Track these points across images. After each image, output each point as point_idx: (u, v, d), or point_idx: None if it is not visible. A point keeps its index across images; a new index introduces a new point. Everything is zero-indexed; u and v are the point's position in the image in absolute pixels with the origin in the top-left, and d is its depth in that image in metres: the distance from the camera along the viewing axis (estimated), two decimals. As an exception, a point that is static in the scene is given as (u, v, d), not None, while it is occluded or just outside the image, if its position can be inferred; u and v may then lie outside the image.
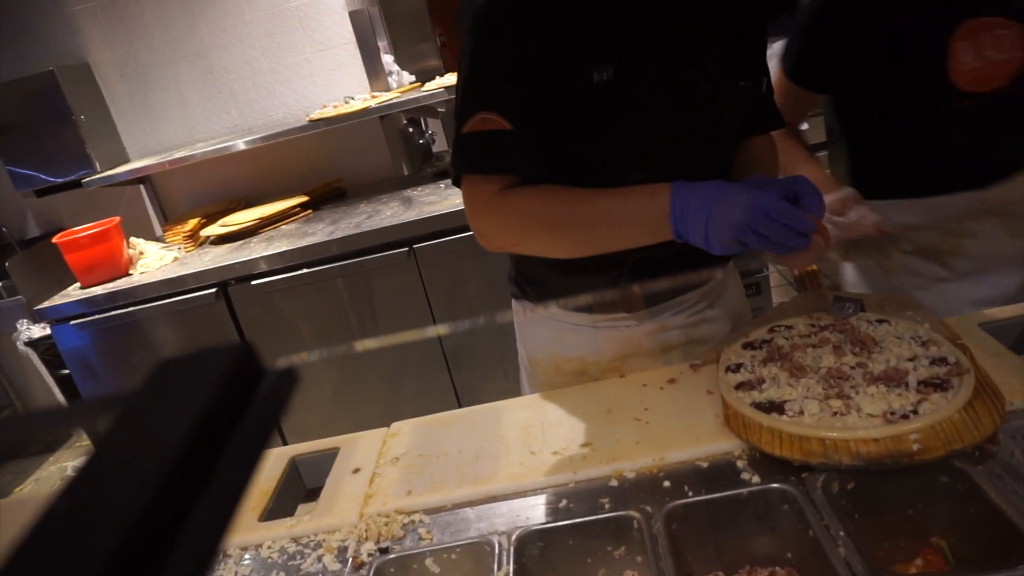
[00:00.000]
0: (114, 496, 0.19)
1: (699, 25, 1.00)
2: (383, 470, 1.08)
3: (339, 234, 2.50)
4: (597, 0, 0.94)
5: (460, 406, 1.33)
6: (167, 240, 2.94)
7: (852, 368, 0.94)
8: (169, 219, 3.21)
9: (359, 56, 2.94)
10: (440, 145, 3.51)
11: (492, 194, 1.00)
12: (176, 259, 2.79)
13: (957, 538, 0.81)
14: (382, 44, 2.98)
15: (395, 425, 1.20)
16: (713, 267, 1.16)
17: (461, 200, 1.07)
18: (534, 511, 0.93)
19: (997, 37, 1.18)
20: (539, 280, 1.21)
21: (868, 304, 1.08)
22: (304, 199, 2.98)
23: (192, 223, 2.95)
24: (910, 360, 0.92)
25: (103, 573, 0.17)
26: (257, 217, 2.87)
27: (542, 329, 1.23)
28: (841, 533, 0.77)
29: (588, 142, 1.00)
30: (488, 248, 1.06)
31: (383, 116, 2.92)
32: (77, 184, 2.92)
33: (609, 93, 0.96)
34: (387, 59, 2.95)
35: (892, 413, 0.83)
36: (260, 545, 0.99)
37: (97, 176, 2.89)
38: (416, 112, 3.33)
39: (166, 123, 3.18)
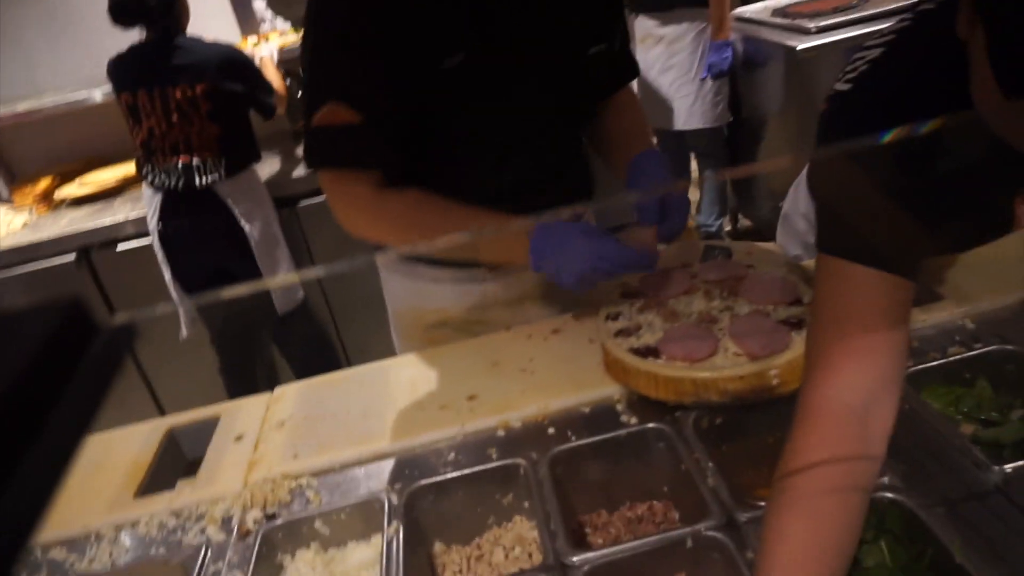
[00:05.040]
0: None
1: (546, 3, 0.98)
2: (267, 435, 1.05)
3: (213, 193, 2.36)
4: None
5: (350, 365, 1.30)
6: (15, 203, 2.69)
7: (720, 312, 0.99)
8: (17, 179, 2.91)
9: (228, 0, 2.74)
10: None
11: (364, 194, 0.99)
12: (26, 224, 2.56)
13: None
14: (252, -13, 2.79)
15: (279, 389, 1.17)
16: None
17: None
18: (423, 466, 0.94)
19: None
20: None
21: (735, 252, 1.15)
22: (172, 156, 2.78)
23: (44, 183, 2.70)
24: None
25: None
26: (120, 176, 2.67)
27: (405, 281, 1.22)
28: (710, 464, 0.83)
29: (441, 127, 0.99)
30: (351, 234, 1.05)
31: (256, 66, 2.74)
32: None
33: (459, 78, 0.94)
34: (259, 4, 2.77)
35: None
36: (137, 522, 0.94)
37: (-77, 131, 2.57)
38: (294, 64, 3.15)
39: (3, 70, 2.85)
